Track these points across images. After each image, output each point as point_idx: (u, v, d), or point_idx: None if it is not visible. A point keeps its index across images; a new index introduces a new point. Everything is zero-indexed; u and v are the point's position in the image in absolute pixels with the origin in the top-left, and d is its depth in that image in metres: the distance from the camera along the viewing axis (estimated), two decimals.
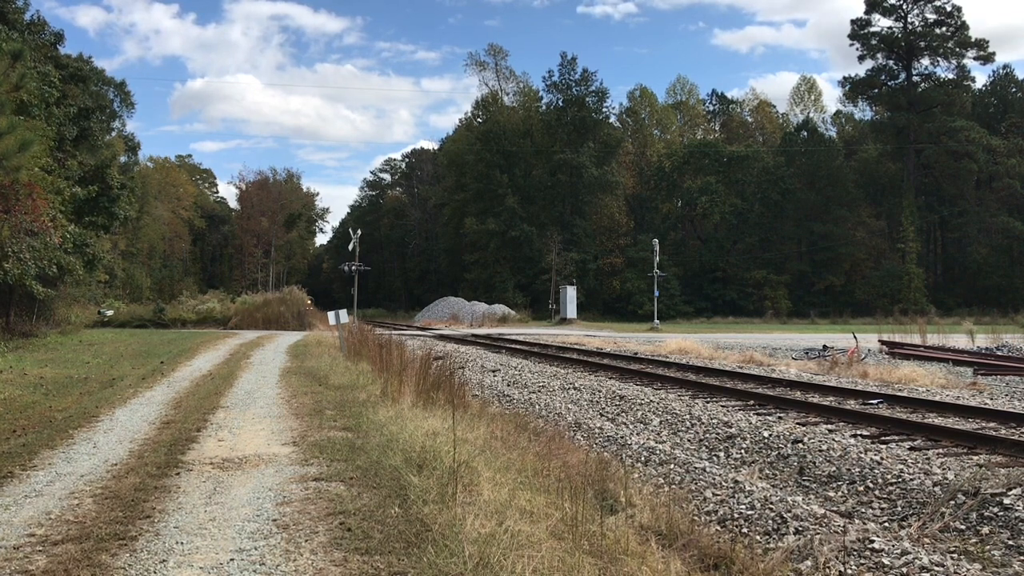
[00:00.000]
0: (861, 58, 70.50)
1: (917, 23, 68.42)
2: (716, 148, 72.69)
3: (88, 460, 6.55)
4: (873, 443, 8.77)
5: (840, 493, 7.29)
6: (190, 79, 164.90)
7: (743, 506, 6.74)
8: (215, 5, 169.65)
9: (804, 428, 9.71)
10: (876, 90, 70.80)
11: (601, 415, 11.72)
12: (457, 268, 75.70)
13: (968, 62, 68.92)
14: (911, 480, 7.17)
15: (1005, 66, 73.95)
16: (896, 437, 9.14)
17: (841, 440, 8.79)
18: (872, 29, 69.79)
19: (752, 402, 12.21)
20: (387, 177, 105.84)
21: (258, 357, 17.77)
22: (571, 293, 54.13)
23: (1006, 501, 6.31)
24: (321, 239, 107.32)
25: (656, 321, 47.62)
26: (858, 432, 9.46)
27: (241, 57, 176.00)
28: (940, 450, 8.42)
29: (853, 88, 71.94)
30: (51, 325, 24.84)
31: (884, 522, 6.43)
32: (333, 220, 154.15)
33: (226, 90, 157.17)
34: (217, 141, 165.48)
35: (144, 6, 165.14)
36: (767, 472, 8.21)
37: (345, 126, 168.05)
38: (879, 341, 24.54)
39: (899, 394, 12.58)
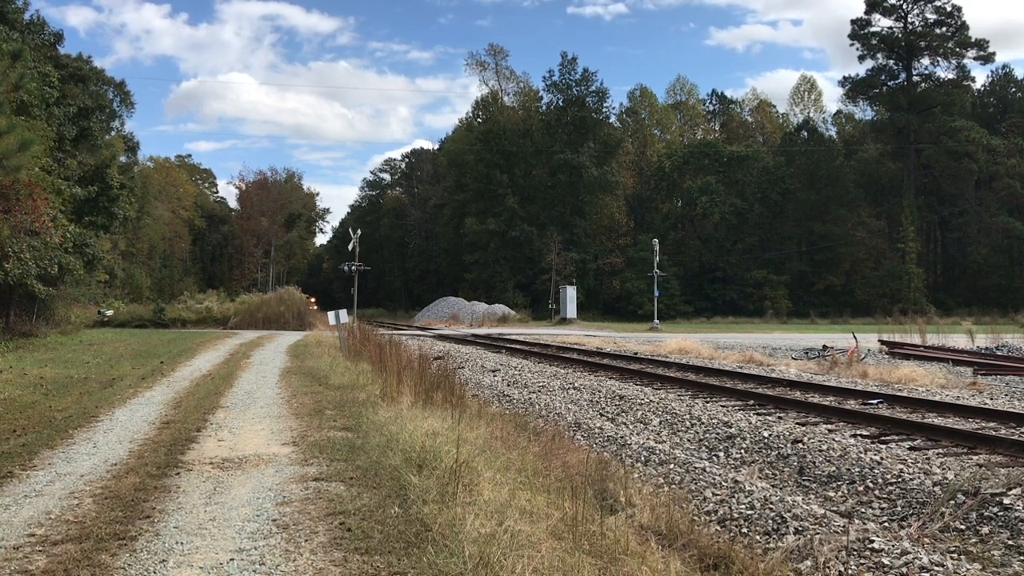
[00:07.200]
0: (861, 58, 70.57)
1: (917, 23, 68.43)
2: (716, 148, 72.72)
3: (88, 460, 6.55)
4: (873, 443, 8.77)
5: (840, 493, 7.28)
6: (183, 79, 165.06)
7: (743, 506, 6.74)
8: (207, 5, 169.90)
9: (804, 428, 9.71)
10: (876, 90, 70.77)
11: (601, 415, 11.71)
12: (457, 268, 75.70)
13: (968, 62, 68.99)
14: (911, 480, 7.17)
15: (1005, 66, 74.20)
16: (896, 437, 9.13)
17: (841, 440, 8.78)
18: (872, 29, 69.81)
19: (752, 402, 12.21)
20: (387, 177, 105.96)
21: (258, 357, 17.76)
22: (571, 293, 54.11)
23: (1006, 501, 6.31)
24: (321, 239, 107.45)
25: (656, 321, 47.61)
26: (858, 432, 9.46)
27: (233, 57, 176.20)
28: (940, 450, 8.42)
29: (853, 88, 71.93)
30: (51, 325, 24.83)
31: (884, 522, 6.43)
32: (333, 220, 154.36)
33: (220, 89, 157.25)
34: (212, 141, 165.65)
35: (135, 6, 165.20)
36: (767, 472, 8.20)
37: (341, 125, 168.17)
38: (879, 341, 24.53)
39: (899, 394, 12.58)
